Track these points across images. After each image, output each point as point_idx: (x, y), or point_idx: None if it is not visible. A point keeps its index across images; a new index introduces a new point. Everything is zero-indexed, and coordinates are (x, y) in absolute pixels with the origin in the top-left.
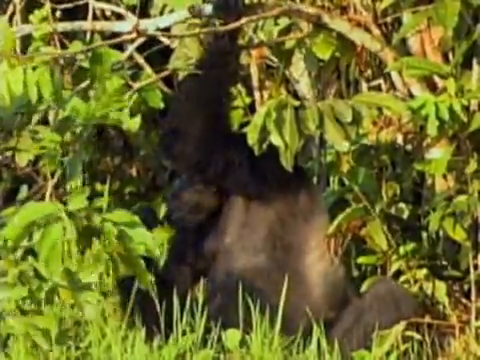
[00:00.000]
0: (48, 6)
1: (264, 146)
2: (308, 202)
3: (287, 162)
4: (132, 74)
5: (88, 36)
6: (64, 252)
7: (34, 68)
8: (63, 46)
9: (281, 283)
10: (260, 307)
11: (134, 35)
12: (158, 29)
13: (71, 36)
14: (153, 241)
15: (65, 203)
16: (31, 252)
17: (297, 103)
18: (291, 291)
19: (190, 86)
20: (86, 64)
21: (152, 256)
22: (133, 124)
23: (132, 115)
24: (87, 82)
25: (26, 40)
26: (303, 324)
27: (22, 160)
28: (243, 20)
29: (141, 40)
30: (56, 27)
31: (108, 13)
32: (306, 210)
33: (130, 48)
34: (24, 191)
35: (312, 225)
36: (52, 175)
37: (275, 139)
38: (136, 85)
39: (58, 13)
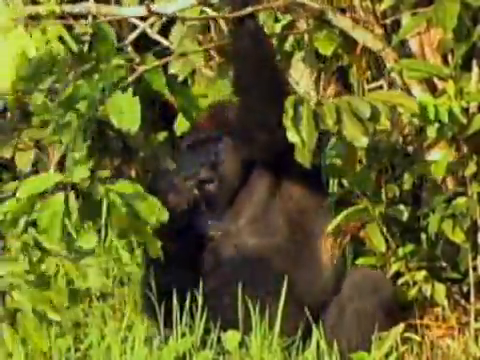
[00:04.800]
0: None
1: None
2: (323, 199)
3: (305, 159)
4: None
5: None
6: (64, 223)
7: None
8: (69, 28)
9: (296, 260)
10: (270, 286)
11: (145, 13)
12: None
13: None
14: (161, 209)
15: None
16: (33, 225)
17: (314, 99)
18: (306, 269)
19: (248, 77)
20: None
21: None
22: (132, 125)
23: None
24: (92, 63)
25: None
26: (315, 304)
27: (21, 161)
28: (249, 9)
29: (140, 31)
30: (62, 8)
31: None
32: (321, 205)
33: (130, 36)
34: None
35: (327, 219)
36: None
37: (292, 136)
38: (140, 68)
39: None
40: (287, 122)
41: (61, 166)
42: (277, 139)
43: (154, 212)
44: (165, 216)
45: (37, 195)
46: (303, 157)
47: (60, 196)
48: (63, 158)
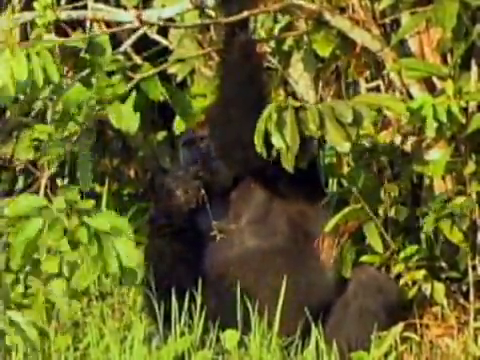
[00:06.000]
0: None
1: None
2: (321, 199)
3: (289, 163)
4: (131, 66)
5: (89, 24)
6: (35, 248)
7: (37, 53)
8: (66, 35)
9: (297, 261)
10: (270, 286)
11: (136, 24)
12: (160, 19)
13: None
14: (133, 253)
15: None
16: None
17: (298, 104)
18: (306, 270)
19: (231, 91)
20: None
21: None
22: (132, 125)
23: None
24: (87, 71)
25: (26, 29)
26: (315, 304)
27: (21, 160)
28: (245, 13)
29: (139, 35)
30: (59, 15)
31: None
32: (321, 206)
33: (127, 42)
34: (21, 181)
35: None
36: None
37: (276, 141)
38: (137, 76)
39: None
40: (271, 127)
41: None
42: (252, 156)
43: (118, 257)
44: (132, 261)
45: (18, 217)
46: (287, 161)
47: (34, 222)
48: None
